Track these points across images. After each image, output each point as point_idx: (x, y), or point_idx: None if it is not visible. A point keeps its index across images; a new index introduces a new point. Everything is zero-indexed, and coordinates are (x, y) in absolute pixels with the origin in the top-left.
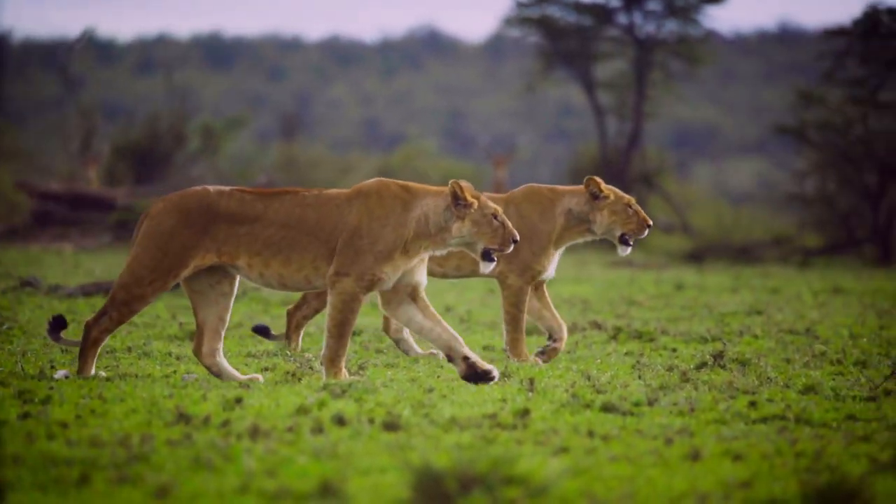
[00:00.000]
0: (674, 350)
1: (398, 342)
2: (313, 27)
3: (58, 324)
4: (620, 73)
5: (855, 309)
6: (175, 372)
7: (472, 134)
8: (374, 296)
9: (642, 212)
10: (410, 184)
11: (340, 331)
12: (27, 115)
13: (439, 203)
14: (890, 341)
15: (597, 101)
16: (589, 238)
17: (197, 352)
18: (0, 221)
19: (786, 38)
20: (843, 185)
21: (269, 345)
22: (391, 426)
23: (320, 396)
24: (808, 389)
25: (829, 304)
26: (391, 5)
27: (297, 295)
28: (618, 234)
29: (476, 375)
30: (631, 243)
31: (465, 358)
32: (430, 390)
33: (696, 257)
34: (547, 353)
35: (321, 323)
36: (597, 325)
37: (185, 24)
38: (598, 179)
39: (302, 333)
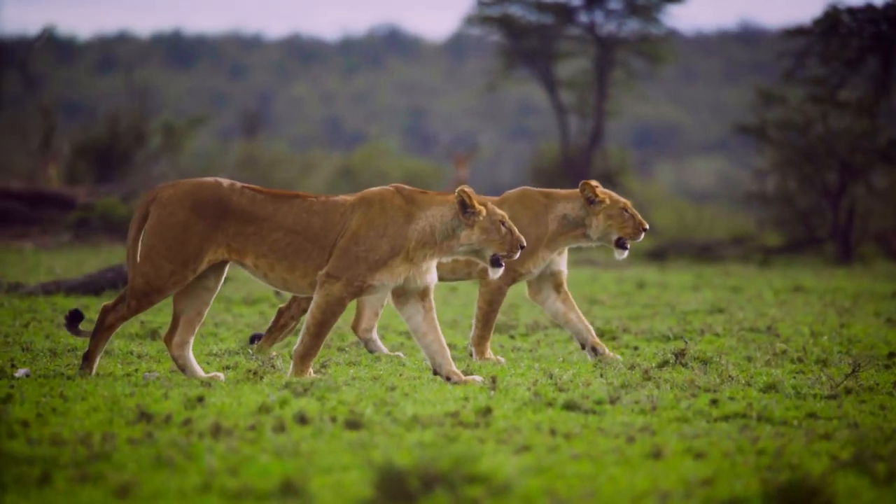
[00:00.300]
0: (636, 348)
1: (366, 342)
2: (274, 25)
3: (75, 318)
4: (582, 71)
5: (816, 307)
6: (137, 370)
7: (434, 133)
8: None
9: (638, 215)
10: (417, 194)
11: (319, 330)
12: None
13: (446, 212)
14: (850, 339)
15: (558, 99)
16: (584, 243)
17: (168, 341)
18: None
19: (747, 38)
20: (804, 184)
21: (231, 343)
22: (353, 424)
23: (282, 395)
24: (770, 388)
25: (790, 303)
26: (352, 4)
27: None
28: (614, 238)
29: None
30: (628, 247)
31: (448, 378)
32: (393, 388)
33: (658, 256)
34: (601, 353)
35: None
36: (559, 324)
37: (145, 21)
38: (594, 183)
39: (285, 334)
